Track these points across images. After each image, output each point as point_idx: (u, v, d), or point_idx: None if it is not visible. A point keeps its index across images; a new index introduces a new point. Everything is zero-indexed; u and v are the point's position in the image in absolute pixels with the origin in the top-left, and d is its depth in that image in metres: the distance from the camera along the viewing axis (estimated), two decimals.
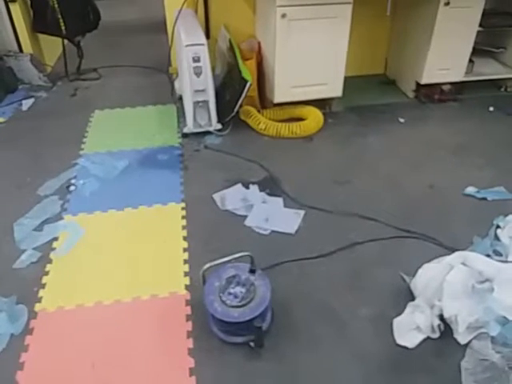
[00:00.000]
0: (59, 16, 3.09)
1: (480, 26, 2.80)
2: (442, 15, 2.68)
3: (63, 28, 3.14)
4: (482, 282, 1.57)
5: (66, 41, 3.34)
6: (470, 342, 1.48)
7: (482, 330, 1.48)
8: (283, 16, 2.42)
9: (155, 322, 1.60)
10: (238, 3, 2.99)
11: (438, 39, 2.78)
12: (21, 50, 3.28)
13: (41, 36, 3.41)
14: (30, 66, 3.24)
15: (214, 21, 3.04)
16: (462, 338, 1.50)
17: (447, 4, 2.64)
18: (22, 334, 1.56)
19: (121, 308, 1.66)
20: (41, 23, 3.21)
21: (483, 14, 2.74)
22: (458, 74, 2.97)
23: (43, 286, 1.74)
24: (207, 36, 3.01)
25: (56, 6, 3.04)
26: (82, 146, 2.61)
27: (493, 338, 1.45)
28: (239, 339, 1.50)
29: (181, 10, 2.77)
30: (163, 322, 1.60)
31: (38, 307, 1.65)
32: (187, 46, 2.41)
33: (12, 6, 3.13)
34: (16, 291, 1.70)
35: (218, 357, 1.48)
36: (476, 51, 2.95)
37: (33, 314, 1.63)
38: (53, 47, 3.54)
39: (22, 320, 1.60)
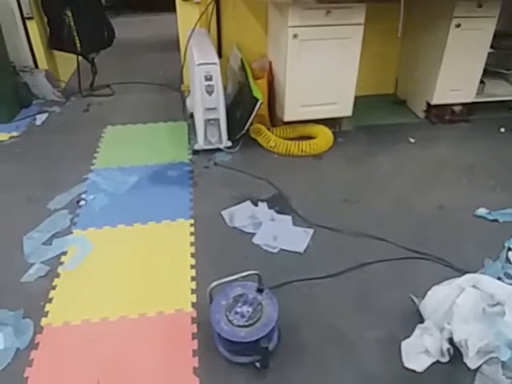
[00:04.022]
0: (75, 34, 3.15)
1: (491, 47, 2.80)
2: (453, 37, 2.69)
3: (78, 45, 3.20)
4: (493, 306, 1.54)
5: (80, 57, 3.40)
6: (480, 366, 1.45)
7: (493, 355, 1.44)
8: (295, 36, 2.45)
9: (161, 340, 1.59)
10: (251, 23, 3.03)
11: (449, 60, 2.78)
12: (36, 66, 3.34)
13: (56, 52, 3.48)
14: (45, 81, 3.30)
15: (227, 40, 3.08)
16: (472, 363, 1.46)
17: (458, 26, 2.65)
18: (28, 348, 1.56)
19: (127, 324, 1.65)
20: (57, 40, 3.28)
21: (494, 36, 2.75)
22: (468, 95, 2.97)
23: (50, 300, 1.74)
24: (219, 55, 3.05)
25: (72, 24, 3.11)
26: (94, 161, 2.64)
27: (503, 363, 1.42)
28: (245, 359, 1.48)
29: (194, 29, 2.82)
30: (169, 340, 1.59)
31: (44, 322, 1.65)
32: (200, 64, 2.44)
33: (29, 23, 3.20)
34: (23, 305, 1.70)
35: (223, 377, 1.47)
36: (487, 72, 2.95)
37: (39, 329, 1.62)
38: (67, 63, 3.61)
39: (28, 334, 1.60)
